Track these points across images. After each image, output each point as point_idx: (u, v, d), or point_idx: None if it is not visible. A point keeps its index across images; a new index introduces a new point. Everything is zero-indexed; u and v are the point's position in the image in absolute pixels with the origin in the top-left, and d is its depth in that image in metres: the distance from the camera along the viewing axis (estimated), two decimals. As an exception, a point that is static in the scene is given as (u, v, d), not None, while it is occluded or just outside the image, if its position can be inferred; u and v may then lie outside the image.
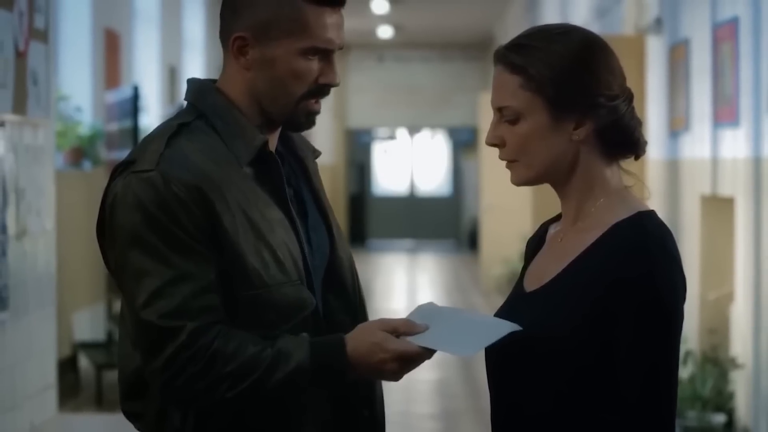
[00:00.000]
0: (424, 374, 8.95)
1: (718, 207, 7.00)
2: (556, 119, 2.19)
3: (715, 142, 6.84)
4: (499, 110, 2.23)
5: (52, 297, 6.18)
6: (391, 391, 5.76)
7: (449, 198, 24.84)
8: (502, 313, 2.26)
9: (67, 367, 8.30)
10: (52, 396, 6.21)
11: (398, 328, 2.25)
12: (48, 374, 6.14)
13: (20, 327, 5.64)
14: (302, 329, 2.30)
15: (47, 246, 6.06)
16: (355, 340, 2.25)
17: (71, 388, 8.27)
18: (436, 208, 24.74)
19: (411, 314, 2.30)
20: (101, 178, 8.63)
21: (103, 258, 2.38)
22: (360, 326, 2.30)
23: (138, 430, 2.40)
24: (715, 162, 6.85)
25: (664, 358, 2.11)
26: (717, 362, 6.62)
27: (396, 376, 2.26)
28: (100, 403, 7.89)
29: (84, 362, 8.67)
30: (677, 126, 7.80)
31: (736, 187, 6.44)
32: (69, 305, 8.49)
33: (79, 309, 8.94)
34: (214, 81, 2.43)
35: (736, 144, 6.40)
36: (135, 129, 8.32)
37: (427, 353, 2.24)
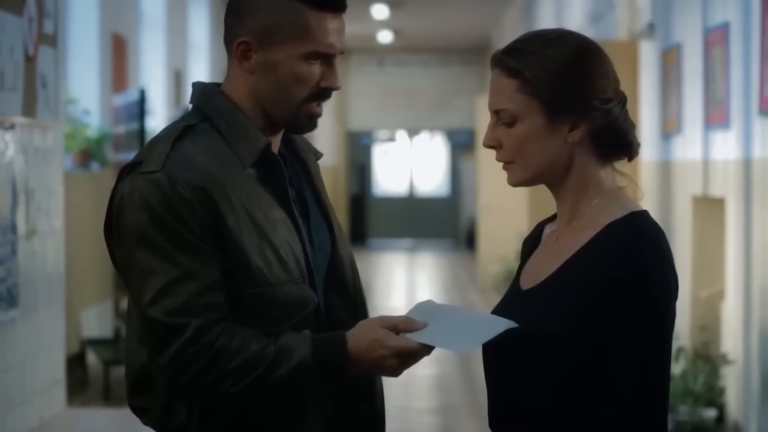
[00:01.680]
0: (423, 370, 8.93)
1: (710, 207, 6.97)
2: (552, 122, 2.21)
3: (706, 144, 6.81)
4: (496, 113, 2.25)
5: (61, 295, 6.22)
6: (391, 386, 5.82)
7: (447, 198, 24.74)
8: (499, 310, 2.29)
9: (75, 363, 8.28)
10: (60, 391, 6.25)
11: (398, 325, 2.27)
12: (57, 370, 6.18)
13: (30, 324, 5.68)
14: (304, 326, 2.33)
15: (56, 245, 6.11)
16: (356, 336, 2.28)
17: (79, 383, 8.26)
18: (434, 208, 24.66)
19: (410, 312, 2.32)
20: (108, 179, 8.61)
21: (111, 257, 2.41)
22: (360, 323, 2.32)
23: (144, 424, 2.43)
24: (706, 163, 6.81)
25: (656, 355, 2.13)
26: (708, 358, 6.59)
27: (395, 372, 2.28)
28: (107, 398, 7.88)
29: (92, 358, 8.65)
30: (669, 128, 7.76)
31: (726, 187, 6.40)
32: (77, 303, 8.47)
33: (87, 306, 8.92)
34: (218, 84, 2.46)
35: (726, 146, 6.36)
36: (141, 131, 8.31)
37: (426, 350, 2.26)
